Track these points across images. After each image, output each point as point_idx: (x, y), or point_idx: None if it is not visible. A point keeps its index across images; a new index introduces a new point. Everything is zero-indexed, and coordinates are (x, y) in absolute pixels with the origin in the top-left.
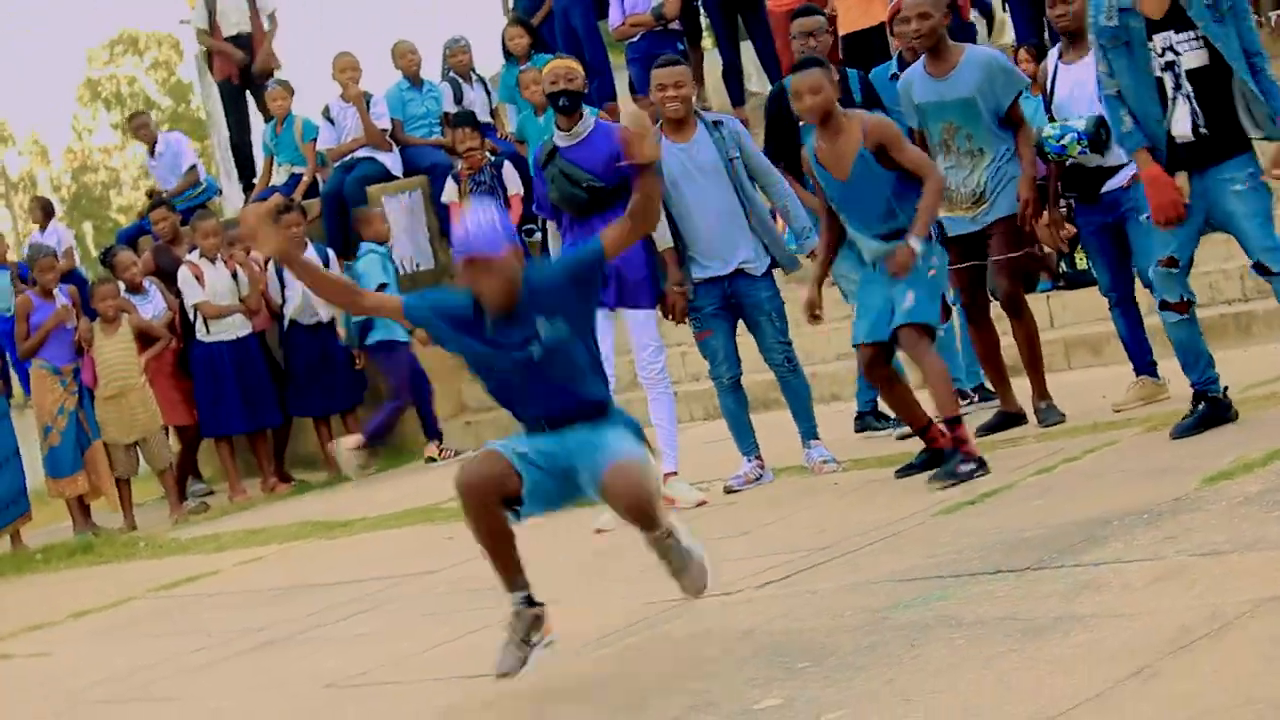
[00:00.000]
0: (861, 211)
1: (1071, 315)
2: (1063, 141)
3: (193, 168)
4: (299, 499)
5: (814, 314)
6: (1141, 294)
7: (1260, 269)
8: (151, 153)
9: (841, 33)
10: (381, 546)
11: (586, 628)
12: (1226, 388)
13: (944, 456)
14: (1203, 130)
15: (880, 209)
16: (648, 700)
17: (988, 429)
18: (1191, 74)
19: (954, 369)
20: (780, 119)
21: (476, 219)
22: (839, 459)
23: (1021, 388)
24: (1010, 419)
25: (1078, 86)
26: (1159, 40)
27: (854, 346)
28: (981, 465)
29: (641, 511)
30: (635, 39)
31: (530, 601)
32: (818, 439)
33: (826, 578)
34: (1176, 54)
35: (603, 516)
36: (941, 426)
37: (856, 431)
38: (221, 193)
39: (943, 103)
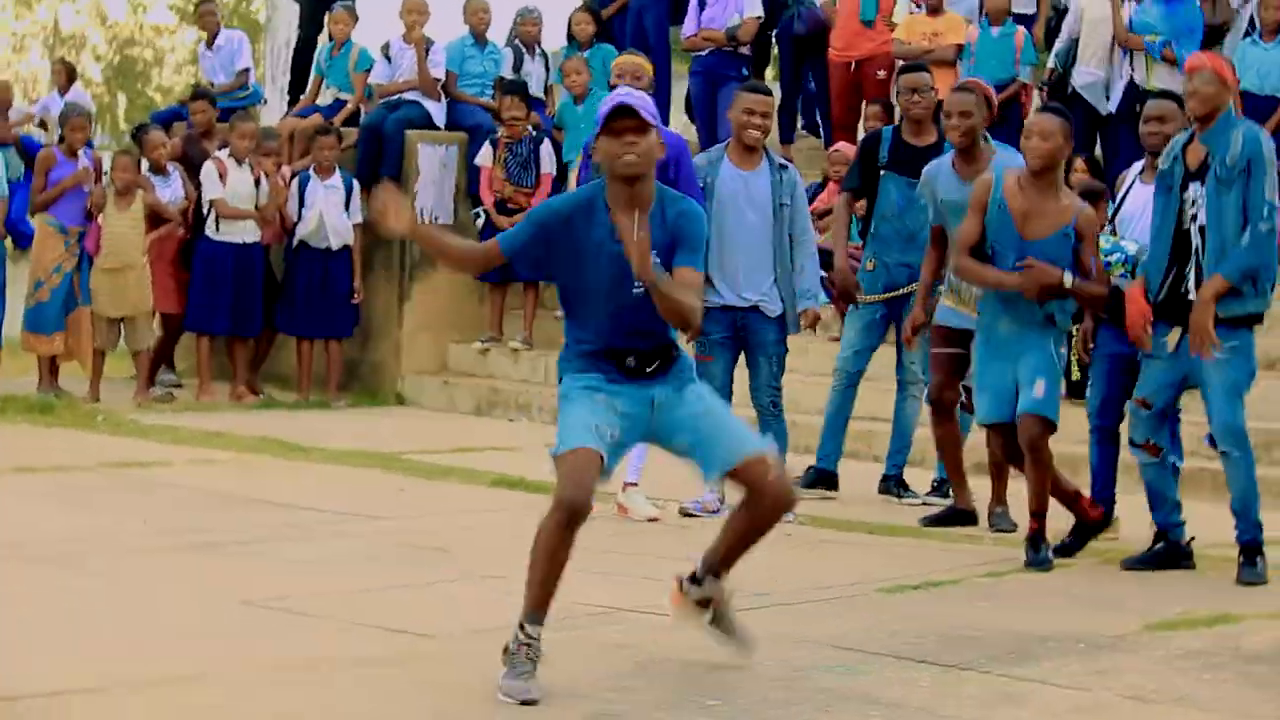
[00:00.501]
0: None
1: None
2: (1109, 258)
3: (245, 70)
4: (264, 413)
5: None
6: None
7: (1212, 441)
8: (210, 44)
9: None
10: (334, 481)
11: (515, 610)
12: (1193, 538)
13: (1028, 547)
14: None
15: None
16: (553, 700)
17: (934, 521)
18: (1204, 230)
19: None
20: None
21: (631, 90)
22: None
23: (979, 487)
24: (960, 516)
25: (1149, 207)
26: (1192, 191)
27: (981, 425)
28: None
29: (784, 509)
30: (703, 53)
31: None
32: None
33: (758, 623)
34: (1200, 208)
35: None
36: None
37: (880, 492)
38: (265, 101)
39: (965, 205)
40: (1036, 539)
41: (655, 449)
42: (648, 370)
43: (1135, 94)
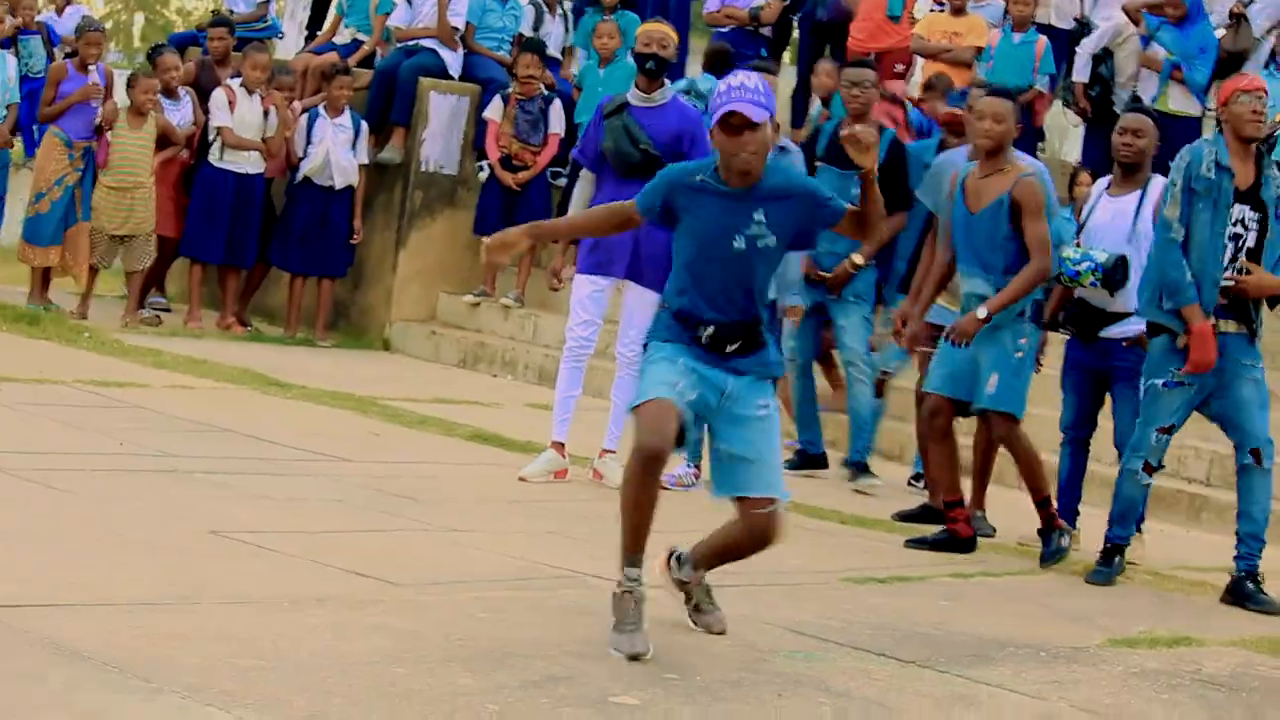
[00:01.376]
0: (969, 250)
1: (1034, 439)
2: (1079, 267)
3: (266, 1)
4: (250, 345)
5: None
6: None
7: (1256, 456)
8: None
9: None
10: (311, 418)
11: (477, 569)
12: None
13: (1044, 538)
14: (1228, 305)
15: (986, 258)
16: (509, 657)
17: (906, 517)
18: (1250, 253)
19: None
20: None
21: (754, 81)
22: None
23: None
24: (934, 514)
25: (1118, 218)
26: (1237, 210)
27: (925, 391)
28: (1066, 534)
29: (760, 547)
30: (724, 29)
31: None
32: None
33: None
34: (1246, 229)
35: (530, 466)
36: (969, 512)
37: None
38: (283, 35)
39: None
40: (1047, 529)
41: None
42: (728, 348)
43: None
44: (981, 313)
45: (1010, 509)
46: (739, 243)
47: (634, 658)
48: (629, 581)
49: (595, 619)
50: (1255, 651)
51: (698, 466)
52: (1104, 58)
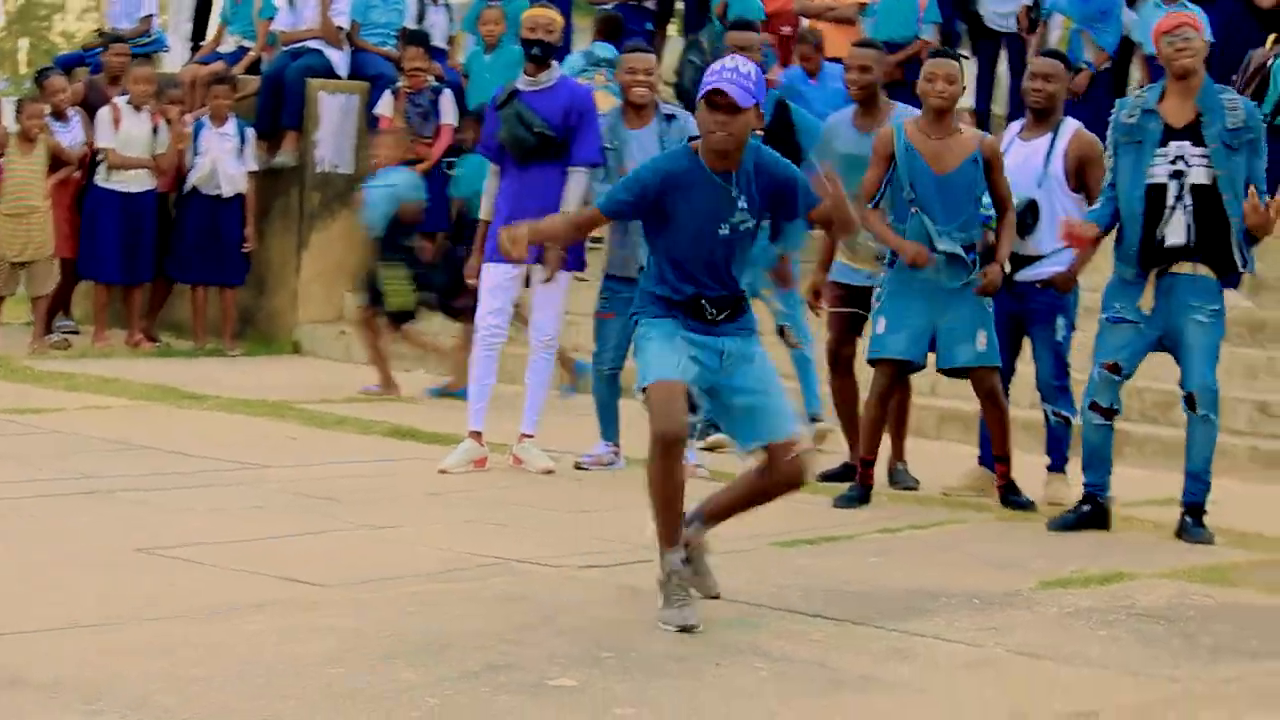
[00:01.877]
0: (951, 209)
1: (953, 388)
2: (989, 212)
3: (149, 16)
4: (160, 360)
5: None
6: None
7: (1189, 402)
8: None
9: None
10: (227, 428)
11: (406, 564)
12: (1113, 498)
13: (1007, 494)
14: (1192, 246)
15: (968, 214)
16: (447, 649)
17: (828, 476)
18: (1195, 189)
19: (811, 398)
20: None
21: (737, 66)
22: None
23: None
24: (853, 470)
25: (1029, 161)
26: (1173, 148)
27: (875, 358)
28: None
29: (792, 487)
30: (608, 6)
31: (685, 561)
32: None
33: (650, 577)
34: (1187, 165)
35: (450, 458)
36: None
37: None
38: (169, 48)
39: (865, 158)
40: (1012, 483)
41: (549, 405)
42: (720, 317)
43: None
44: (1007, 267)
45: (931, 461)
46: (724, 230)
47: (686, 629)
48: (673, 567)
49: (527, 604)
50: (1189, 582)
51: (618, 445)
52: None
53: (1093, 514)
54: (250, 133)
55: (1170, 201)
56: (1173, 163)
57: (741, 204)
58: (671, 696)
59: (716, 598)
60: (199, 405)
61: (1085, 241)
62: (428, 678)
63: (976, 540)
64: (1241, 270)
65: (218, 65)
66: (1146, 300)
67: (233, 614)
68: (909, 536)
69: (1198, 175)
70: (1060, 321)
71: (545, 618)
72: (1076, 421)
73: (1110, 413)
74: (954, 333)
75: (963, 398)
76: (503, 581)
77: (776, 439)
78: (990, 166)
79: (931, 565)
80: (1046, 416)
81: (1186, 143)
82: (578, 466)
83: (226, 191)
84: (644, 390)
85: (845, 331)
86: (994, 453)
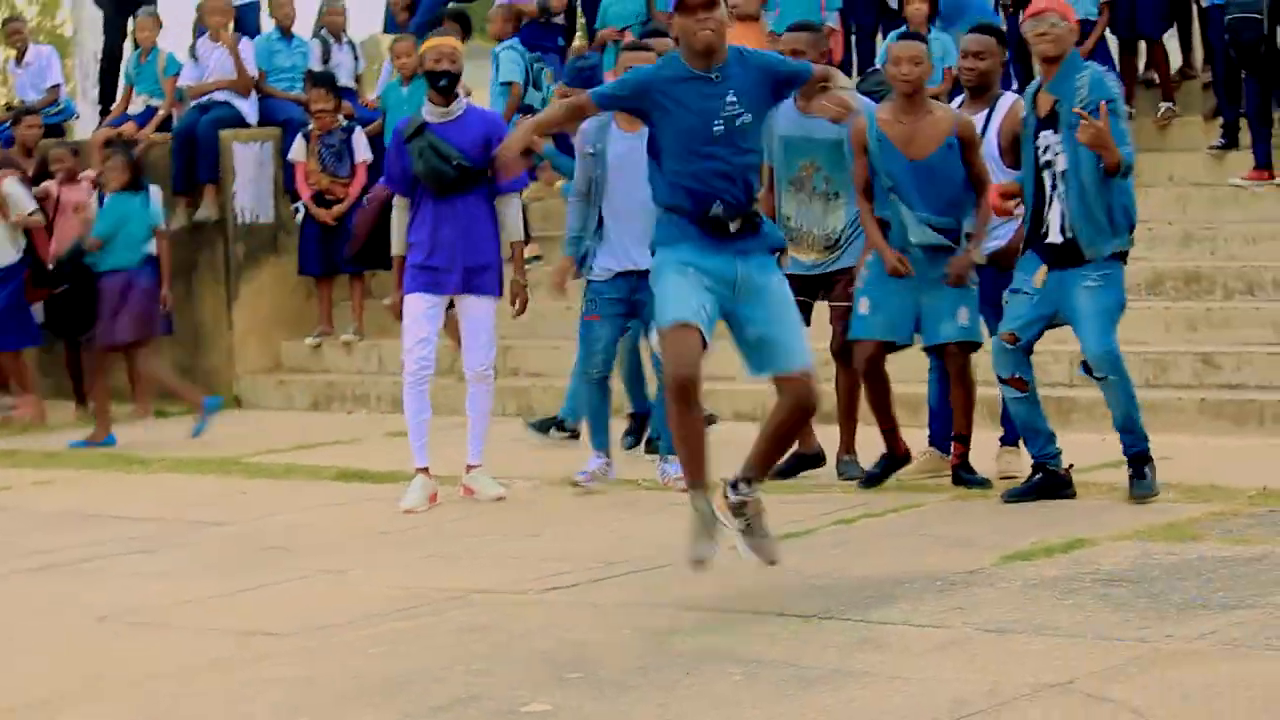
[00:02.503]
0: (929, 195)
1: (897, 372)
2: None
3: (56, 86)
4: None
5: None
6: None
7: (1087, 369)
8: (19, 61)
9: None
10: (176, 489)
11: (361, 606)
12: (1071, 465)
13: (961, 473)
14: (1069, 235)
15: (948, 197)
16: (411, 685)
17: (781, 474)
18: (1065, 175)
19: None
20: None
21: None
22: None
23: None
24: (807, 460)
25: None
26: (1042, 139)
27: (855, 340)
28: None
29: (804, 410)
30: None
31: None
32: (674, 454)
33: (612, 593)
34: (1053, 155)
35: (410, 497)
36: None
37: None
38: (78, 115)
39: (810, 140)
40: (967, 463)
41: (492, 432)
42: (733, 230)
43: None
44: (979, 256)
45: (879, 447)
46: (718, 126)
47: (696, 562)
48: (698, 505)
49: (487, 634)
50: (1150, 541)
51: (609, 455)
52: None
53: (1045, 482)
54: (155, 191)
55: (1047, 193)
56: (1043, 154)
57: (730, 97)
58: (645, 710)
59: (774, 563)
60: (146, 469)
61: (1007, 210)
62: (392, 715)
63: (934, 522)
64: (1114, 251)
65: (129, 126)
66: (1040, 276)
67: (192, 673)
68: (865, 525)
69: (1062, 163)
70: None
71: (508, 645)
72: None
73: (1020, 383)
74: (937, 310)
75: (910, 381)
76: (462, 614)
77: (782, 371)
78: (966, 146)
79: (891, 551)
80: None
81: (1050, 131)
82: (574, 484)
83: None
84: (660, 333)
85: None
86: (954, 430)
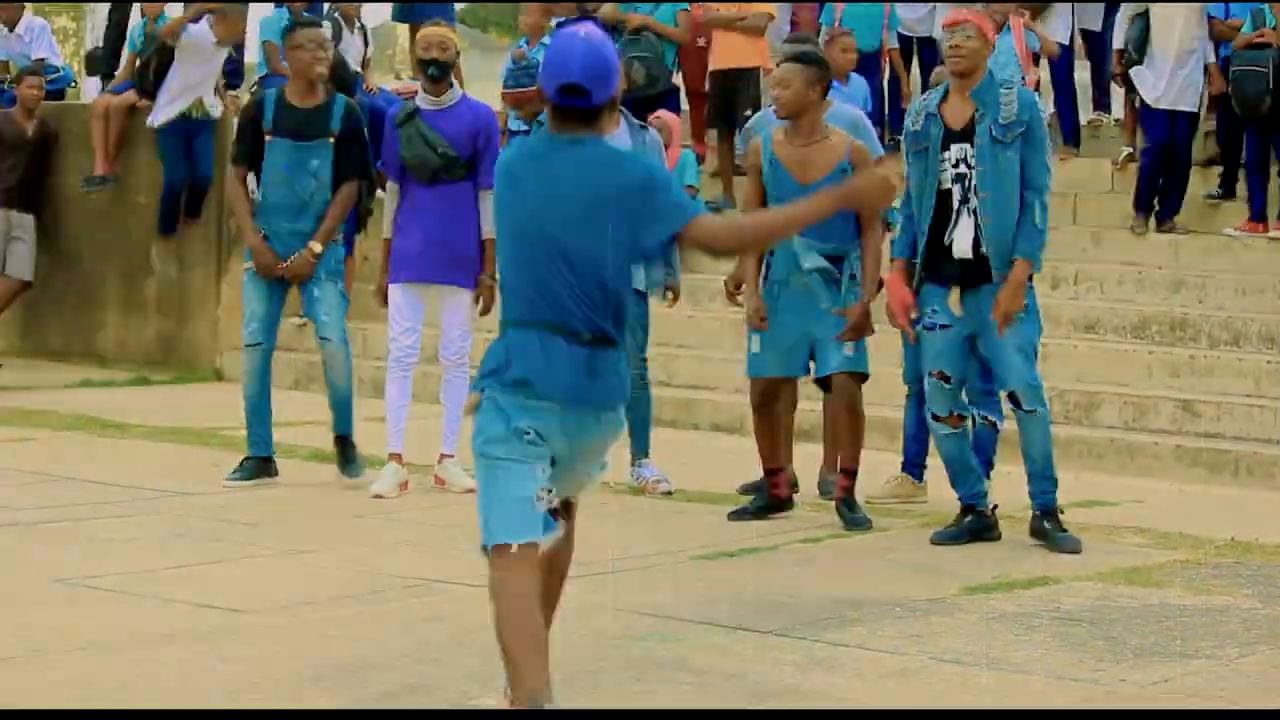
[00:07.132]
0: (820, 224)
1: (876, 396)
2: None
3: (41, 60)
4: (83, 390)
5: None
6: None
7: (1014, 400)
8: (10, 29)
9: (712, 68)
10: (149, 457)
11: (324, 588)
12: (995, 506)
13: (844, 508)
14: (982, 251)
15: (838, 224)
16: (364, 671)
17: (751, 489)
18: (979, 189)
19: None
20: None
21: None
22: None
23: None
24: (776, 504)
25: None
26: (955, 151)
27: (752, 376)
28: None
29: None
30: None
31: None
32: (648, 458)
33: (572, 594)
34: (970, 167)
35: (381, 483)
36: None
37: None
38: (76, 83)
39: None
40: (851, 499)
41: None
42: None
43: None
44: (871, 297)
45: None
46: None
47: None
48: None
49: (446, 624)
50: (1113, 583)
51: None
52: None
53: (976, 525)
54: None
55: (955, 206)
56: (955, 166)
57: None
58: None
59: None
60: (123, 434)
61: (906, 315)
62: (344, 701)
63: (899, 548)
64: (1014, 267)
65: (129, 94)
66: (954, 300)
67: (147, 643)
68: (830, 545)
69: (975, 177)
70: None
71: (462, 637)
72: (1002, 426)
73: (956, 419)
74: (827, 342)
75: (886, 405)
76: (423, 603)
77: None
78: (859, 171)
79: (854, 574)
80: (973, 420)
81: (966, 144)
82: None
83: None
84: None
85: None
86: (841, 464)
